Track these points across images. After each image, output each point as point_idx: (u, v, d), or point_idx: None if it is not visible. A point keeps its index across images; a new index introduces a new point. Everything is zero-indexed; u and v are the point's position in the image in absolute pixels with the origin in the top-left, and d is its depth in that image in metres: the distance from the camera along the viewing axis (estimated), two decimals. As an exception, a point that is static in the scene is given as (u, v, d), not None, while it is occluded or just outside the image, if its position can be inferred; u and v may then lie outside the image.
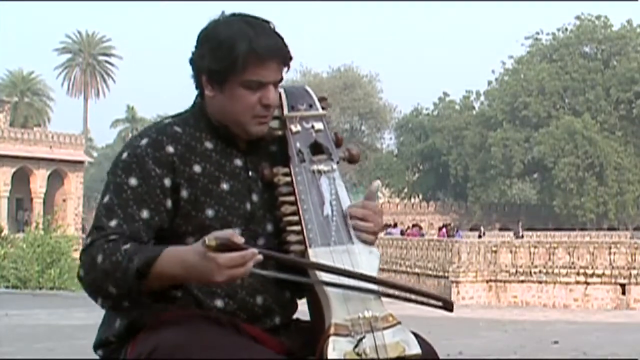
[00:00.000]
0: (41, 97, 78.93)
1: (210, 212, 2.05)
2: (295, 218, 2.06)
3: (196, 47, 2.08)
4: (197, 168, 2.06)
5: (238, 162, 2.11)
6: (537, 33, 69.62)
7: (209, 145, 2.10)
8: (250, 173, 2.12)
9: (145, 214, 1.98)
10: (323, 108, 2.22)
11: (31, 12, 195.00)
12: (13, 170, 53.97)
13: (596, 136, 61.02)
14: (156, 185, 2.01)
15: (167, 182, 2.02)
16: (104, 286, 1.89)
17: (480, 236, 43.09)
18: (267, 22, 2.09)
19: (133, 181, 2.00)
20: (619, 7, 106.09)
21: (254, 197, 2.11)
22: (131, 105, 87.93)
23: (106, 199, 2.01)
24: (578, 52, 65.96)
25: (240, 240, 1.83)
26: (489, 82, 70.38)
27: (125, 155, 2.04)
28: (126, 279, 1.86)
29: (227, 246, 1.82)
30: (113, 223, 1.96)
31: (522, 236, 46.53)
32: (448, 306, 2.06)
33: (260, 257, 1.85)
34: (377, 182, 2.19)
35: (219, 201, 2.06)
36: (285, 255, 2.03)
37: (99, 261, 1.89)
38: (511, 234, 49.94)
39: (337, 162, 2.16)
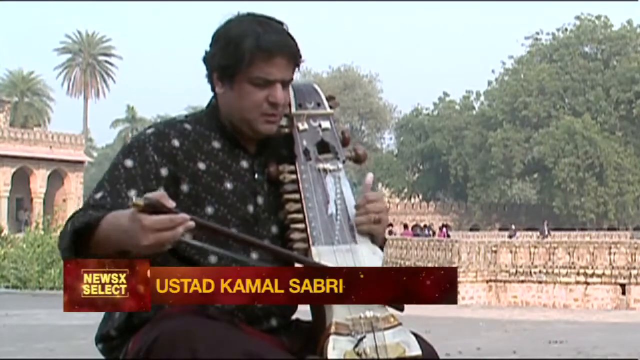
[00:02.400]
0: (41, 97, 78.78)
1: (210, 210, 2.05)
2: (300, 216, 2.06)
3: (210, 46, 2.10)
4: (201, 165, 2.07)
5: (244, 164, 2.12)
6: (537, 33, 69.62)
7: (216, 144, 2.11)
8: (256, 176, 2.12)
9: (132, 193, 1.98)
10: (331, 107, 2.22)
11: (31, 12, 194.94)
12: (13, 170, 53.93)
13: (596, 136, 60.93)
14: (151, 171, 2.02)
15: (163, 171, 2.03)
16: (60, 249, 1.89)
17: (510, 236, 42.94)
18: (281, 22, 2.10)
19: (128, 162, 2.01)
20: (619, 7, 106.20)
21: (259, 200, 2.11)
22: (131, 105, 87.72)
23: (101, 179, 2.03)
24: (578, 52, 65.88)
25: (172, 203, 1.77)
26: (489, 82, 70.35)
27: (129, 141, 2.08)
28: (67, 240, 1.86)
29: (156, 208, 1.73)
30: (98, 195, 1.97)
31: (548, 235, 46.20)
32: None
33: (191, 223, 1.78)
34: (370, 175, 2.17)
35: (220, 200, 2.06)
36: (279, 248, 2.01)
37: (69, 227, 1.89)
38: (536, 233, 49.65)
39: (343, 162, 2.15)
